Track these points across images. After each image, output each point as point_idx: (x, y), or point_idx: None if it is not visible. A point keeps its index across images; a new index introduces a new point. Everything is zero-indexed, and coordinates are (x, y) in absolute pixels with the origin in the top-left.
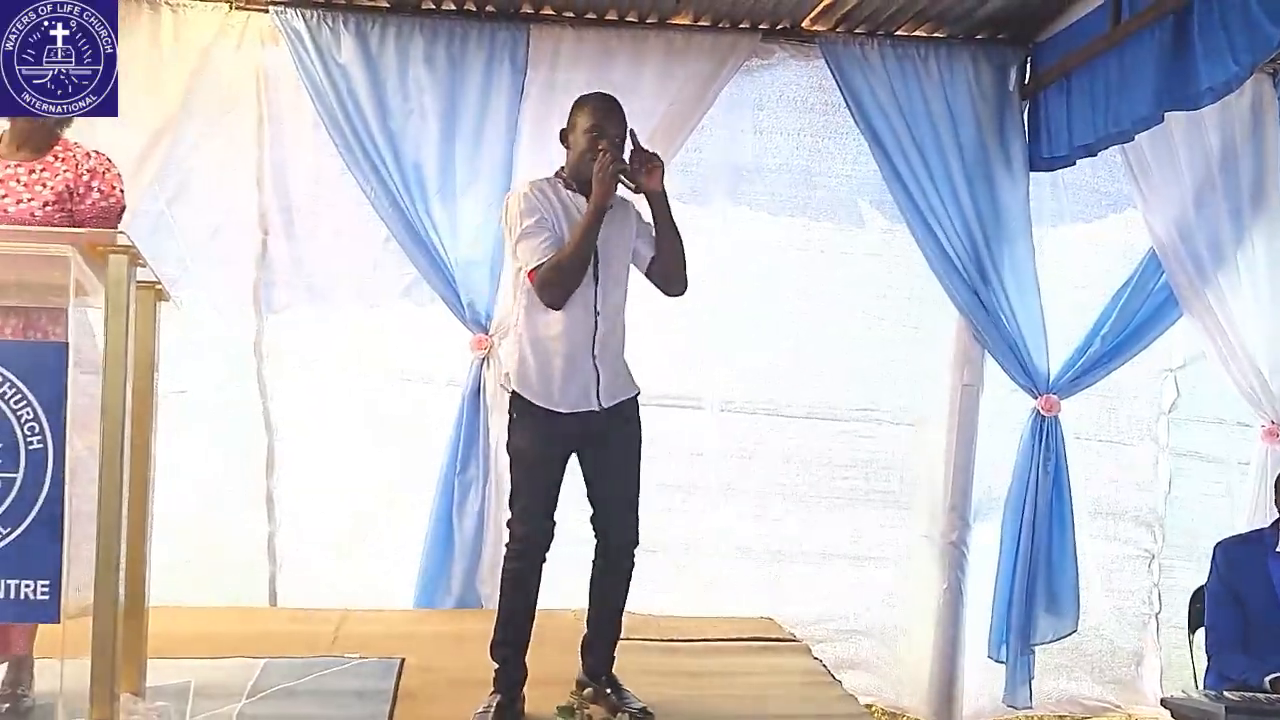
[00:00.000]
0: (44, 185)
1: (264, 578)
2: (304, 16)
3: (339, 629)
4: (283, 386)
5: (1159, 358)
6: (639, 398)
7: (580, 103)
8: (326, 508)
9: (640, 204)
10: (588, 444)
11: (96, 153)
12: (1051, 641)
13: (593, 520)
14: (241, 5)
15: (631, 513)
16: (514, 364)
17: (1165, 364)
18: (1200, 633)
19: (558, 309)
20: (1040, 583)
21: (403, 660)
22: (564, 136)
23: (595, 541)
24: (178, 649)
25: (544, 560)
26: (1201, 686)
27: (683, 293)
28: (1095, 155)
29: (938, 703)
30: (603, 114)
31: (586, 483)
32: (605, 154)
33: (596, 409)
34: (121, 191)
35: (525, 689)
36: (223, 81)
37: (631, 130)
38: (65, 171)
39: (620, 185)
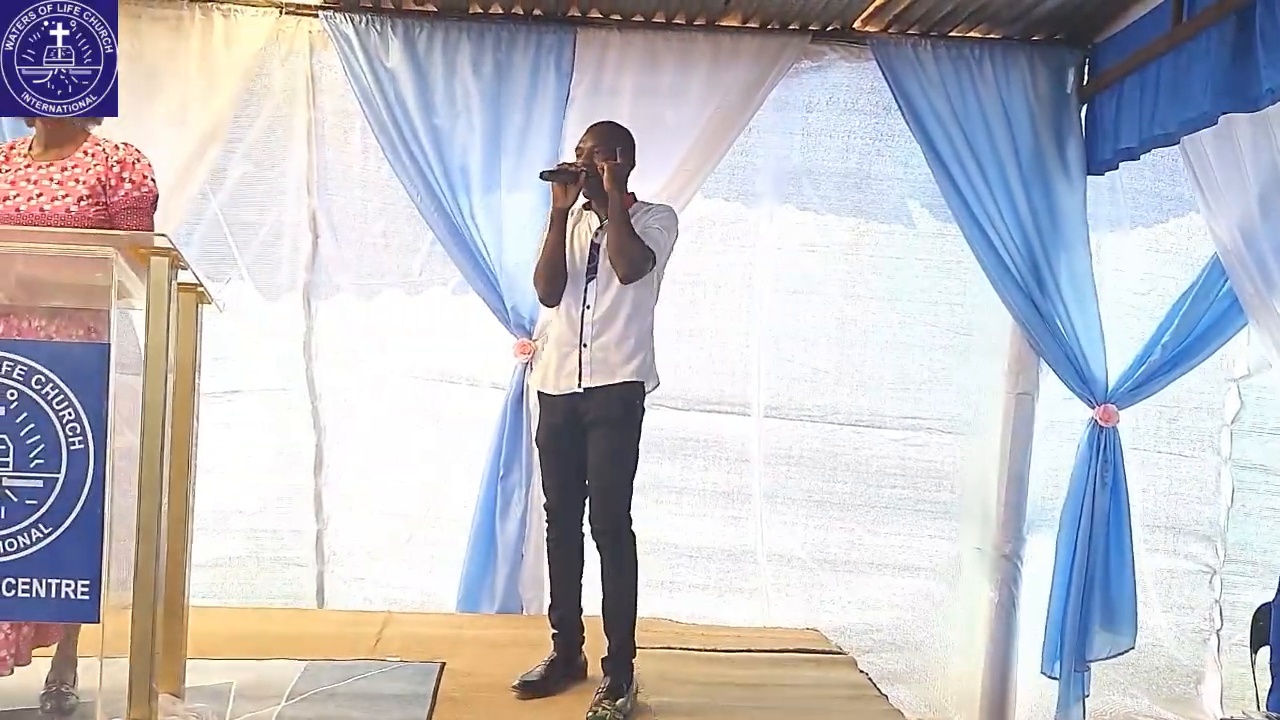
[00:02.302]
0: (77, 181)
1: (312, 576)
2: (353, 21)
3: (382, 631)
4: (331, 387)
5: (1222, 367)
6: (636, 384)
7: None
8: (373, 508)
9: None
10: (583, 427)
11: (125, 144)
12: (1108, 658)
13: None
14: (291, 10)
15: (602, 498)
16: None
17: (1228, 373)
18: (1263, 652)
19: (549, 306)
20: (1096, 597)
21: (443, 665)
22: None
23: None
24: (222, 649)
25: (574, 531)
26: (1264, 708)
27: (625, 280)
28: (1138, 159)
29: (988, 719)
30: (585, 135)
31: None
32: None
33: (579, 391)
34: (153, 181)
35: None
36: (273, 86)
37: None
38: (96, 166)
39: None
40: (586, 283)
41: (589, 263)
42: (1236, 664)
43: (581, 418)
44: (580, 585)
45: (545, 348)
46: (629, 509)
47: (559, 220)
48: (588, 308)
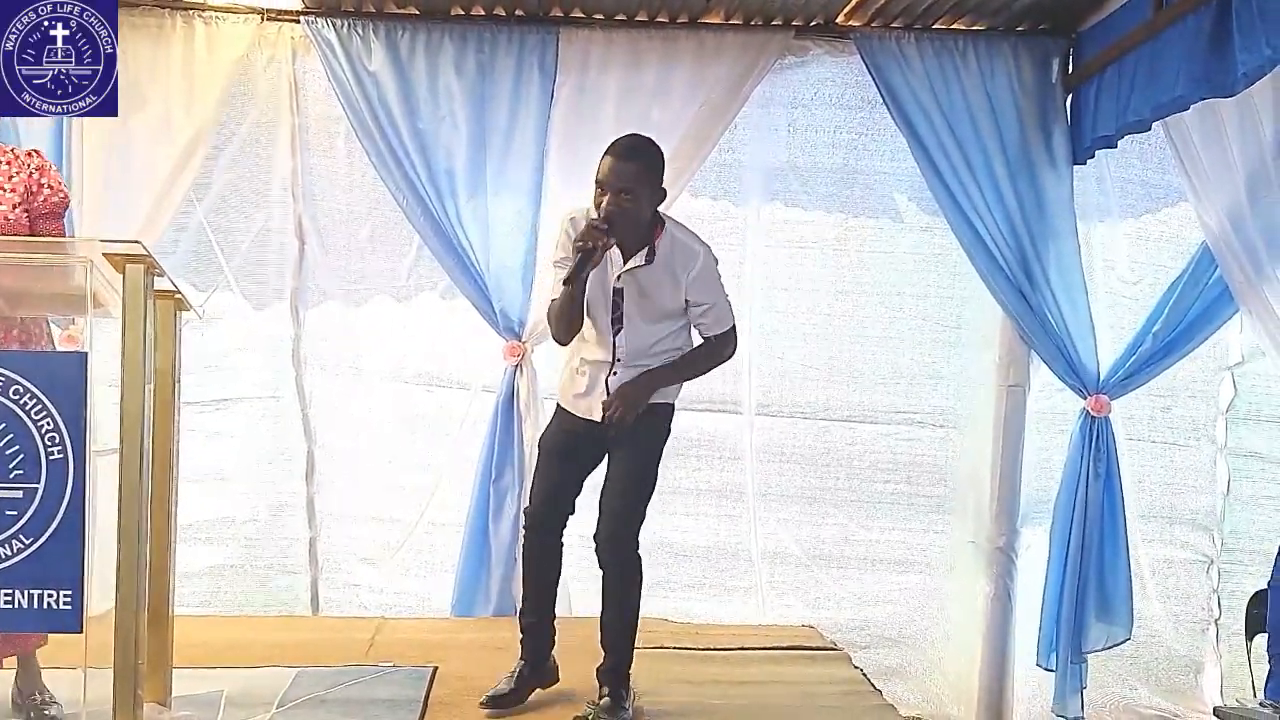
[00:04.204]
0: (3, 189)
1: (306, 583)
2: (335, 26)
3: (375, 637)
4: (321, 394)
5: (1216, 355)
6: (663, 405)
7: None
8: (366, 514)
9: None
10: (602, 444)
11: (36, 151)
12: (1104, 649)
13: None
14: (273, 16)
15: (615, 518)
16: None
17: (1222, 361)
18: (1259, 639)
19: (562, 344)
20: (1091, 588)
21: (435, 669)
22: None
23: None
24: (215, 658)
25: (554, 539)
26: (1261, 694)
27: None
28: (1114, 146)
29: (985, 712)
30: (607, 166)
31: None
32: (587, 226)
33: (599, 420)
34: (65, 186)
35: (549, 692)
36: (257, 92)
37: None
38: (18, 173)
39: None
40: (616, 334)
41: (613, 311)
42: (1236, 653)
43: (603, 438)
44: (555, 590)
45: (567, 366)
46: (639, 531)
47: (571, 290)
48: (618, 359)
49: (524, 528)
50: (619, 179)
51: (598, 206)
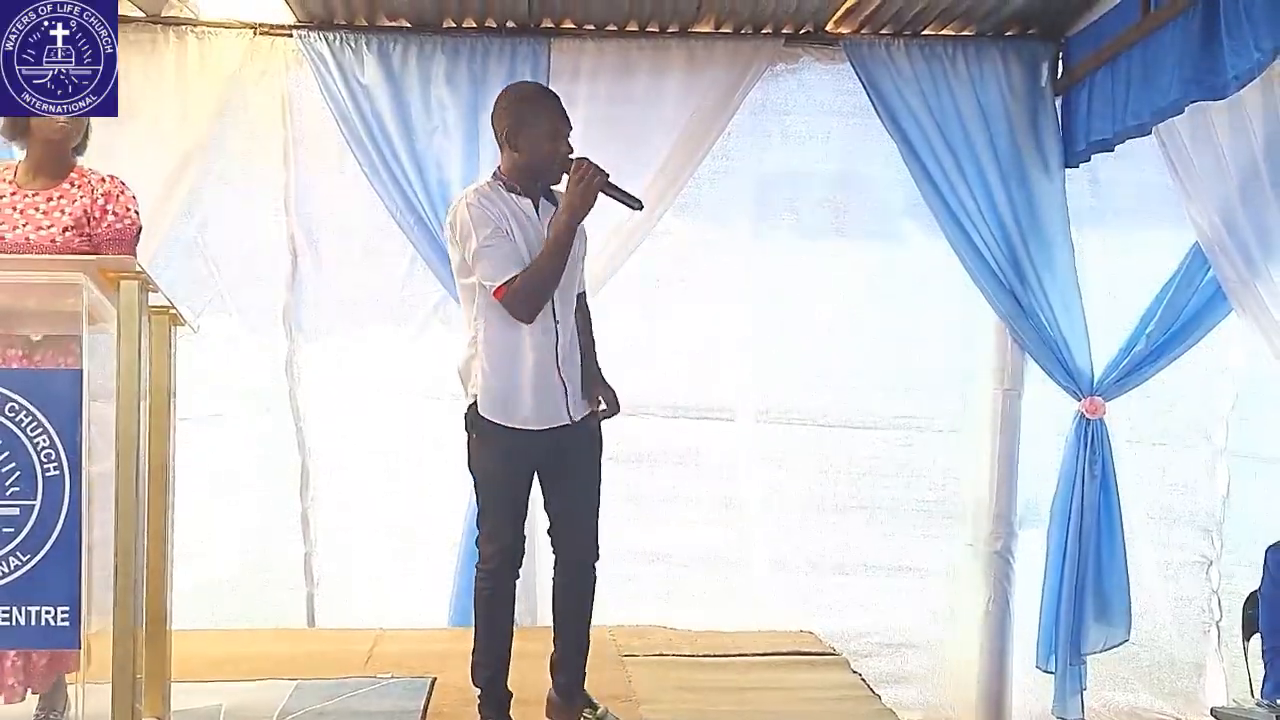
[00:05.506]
0: (62, 211)
1: (302, 598)
2: (327, 39)
3: (373, 649)
4: (315, 408)
5: (1216, 356)
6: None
7: (526, 99)
8: (361, 527)
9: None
10: (552, 458)
11: (111, 176)
12: (1102, 651)
13: (550, 534)
14: (266, 30)
15: (592, 528)
16: (479, 384)
17: (1223, 363)
18: (1256, 639)
19: (530, 323)
20: (1090, 591)
21: (433, 680)
22: (510, 135)
23: (554, 557)
24: (214, 672)
25: (516, 578)
26: (1259, 695)
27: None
28: (1112, 150)
29: (986, 715)
30: (560, 114)
31: (545, 497)
32: (587, 166)
33: (568, 422)
34: (136, 213)
35: (541, 699)
36: (249, 106)
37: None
38: (82, 197)
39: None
40: (552, 300)
41: None
42: (1237, 654)
43: (557, 449)
44: (510, 642)
45: (499, 372)
46: None
47: (573, 235)
48: (558, 323)
49: (485, 572)
50: (569, 129)
51: (560, 151)
